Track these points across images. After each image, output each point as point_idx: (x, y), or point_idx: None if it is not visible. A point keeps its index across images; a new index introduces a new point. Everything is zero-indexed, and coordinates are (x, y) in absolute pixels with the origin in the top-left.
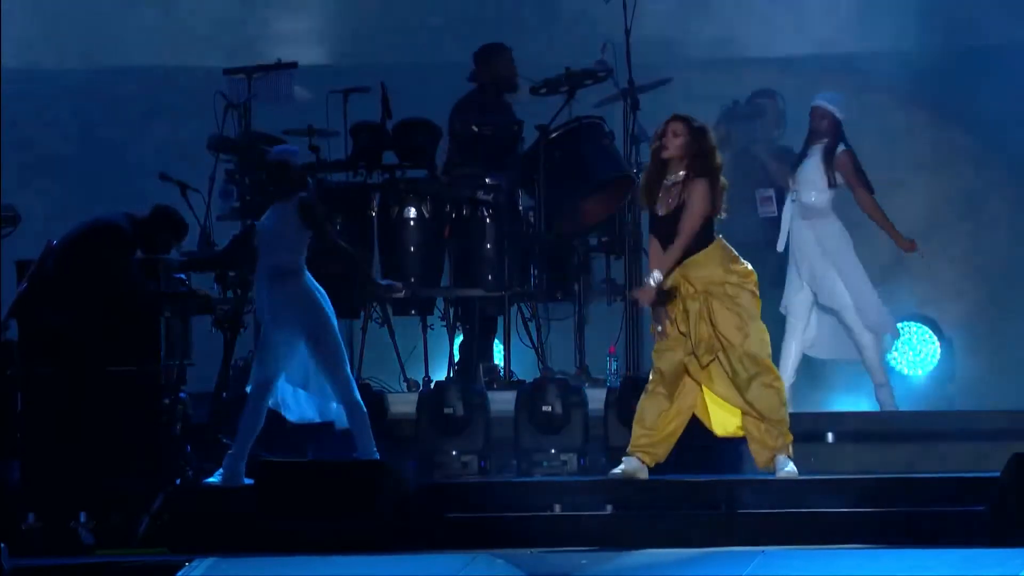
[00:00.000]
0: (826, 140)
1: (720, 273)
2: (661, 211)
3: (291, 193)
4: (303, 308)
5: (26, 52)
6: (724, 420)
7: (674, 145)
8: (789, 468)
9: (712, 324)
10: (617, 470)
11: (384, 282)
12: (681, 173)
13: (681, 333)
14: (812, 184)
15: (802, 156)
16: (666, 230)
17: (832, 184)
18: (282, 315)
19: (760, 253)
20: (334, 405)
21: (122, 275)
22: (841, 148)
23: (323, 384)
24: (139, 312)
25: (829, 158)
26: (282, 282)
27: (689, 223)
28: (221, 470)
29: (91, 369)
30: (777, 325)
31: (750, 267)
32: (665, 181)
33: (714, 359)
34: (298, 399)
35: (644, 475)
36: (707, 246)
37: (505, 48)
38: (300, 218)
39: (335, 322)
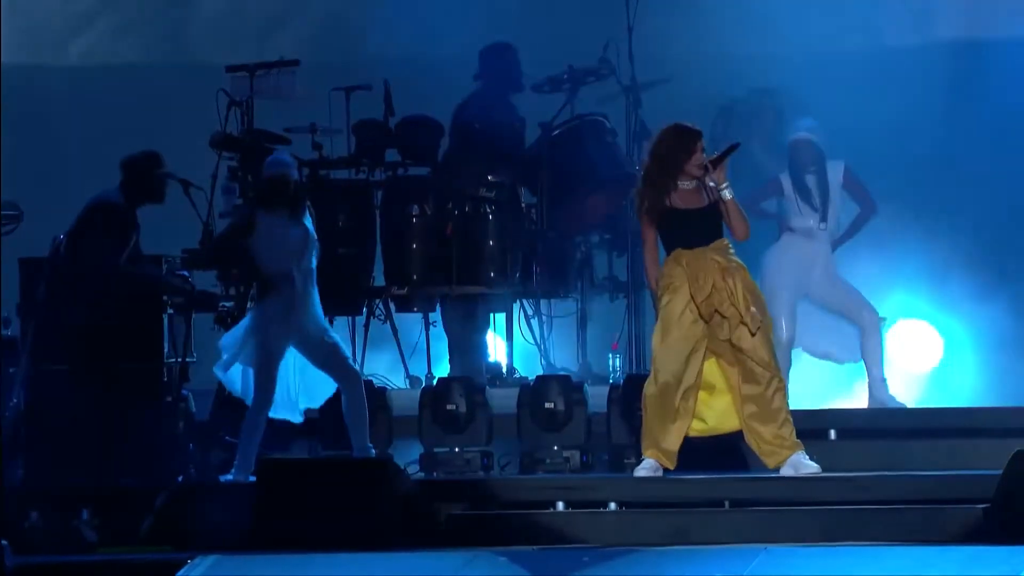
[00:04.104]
0: (814, 168)
1: (732, 258)
2: (691, 204)
3: (302, 207)
4: (319, 315)
5: (28, 50)
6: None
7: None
8: (813, 467)
9: (738, 297)
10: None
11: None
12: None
13: (703, 317)
14: (809, 214)
15: (801, 187)
16: (699, 223)
17: (826, 212)
18: (304, 326)
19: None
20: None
21: (112, 250)
22: (840, 165)
23: (309, 380)
24: (136, 294)
25: (824, 186)
26: (308, 291)
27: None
28: (235, 467)
29: (94, 366)
30: None
31: None
32: (683, 184)
33: (758, 329)
34: (292, 396)
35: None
36: (722, 236)
37: (511, 47)
38: (314, 223)
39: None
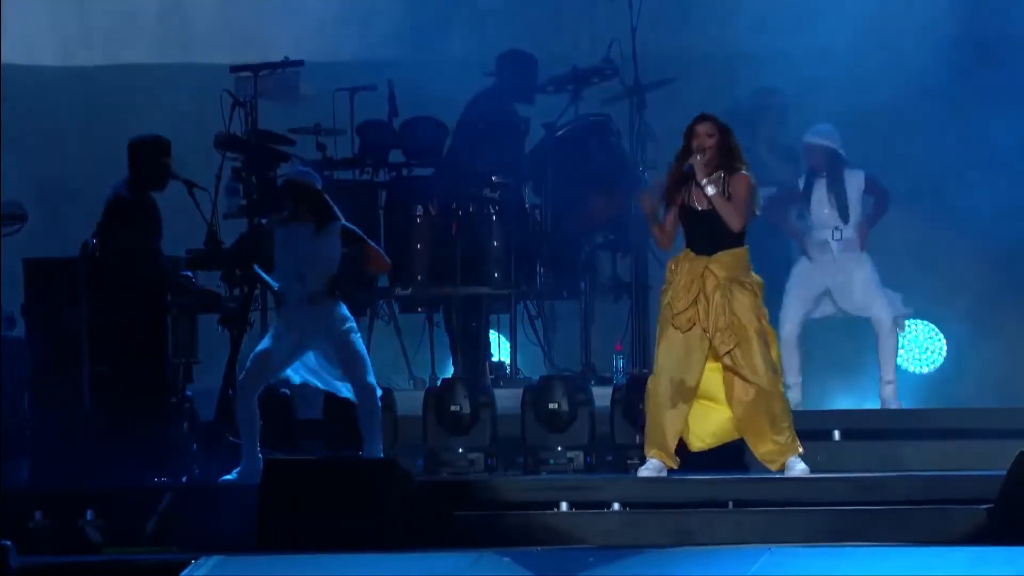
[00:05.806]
0: (826, 174)
1: (740, 275)
2: (700, 206)
3: (330, 222)
4: (337, 331)
5: (30, 49)
6: (703, 432)
7: (708, 145)
8: (801, 467)
9: (733, 312)
10: (646, 472)
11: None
12: (718, 174)
13: (702, 328)
14: (826, 222)
15: (807, 194)
16: (706, 225)
17: (845, 217)
18: (316, 337)
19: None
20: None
21: (111, 248)
22: (853, 173)
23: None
24: (138, 291)
25: (839, 190)
26: (322, 305)
27: (741, 207)
28: (239, 468)
29: (99, 367)
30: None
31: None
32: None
33: (732, 349)
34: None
35: (664, 473)
36: (739, 247)
37: (531, 59)
38: (344, 243)
39: (358, 333)
